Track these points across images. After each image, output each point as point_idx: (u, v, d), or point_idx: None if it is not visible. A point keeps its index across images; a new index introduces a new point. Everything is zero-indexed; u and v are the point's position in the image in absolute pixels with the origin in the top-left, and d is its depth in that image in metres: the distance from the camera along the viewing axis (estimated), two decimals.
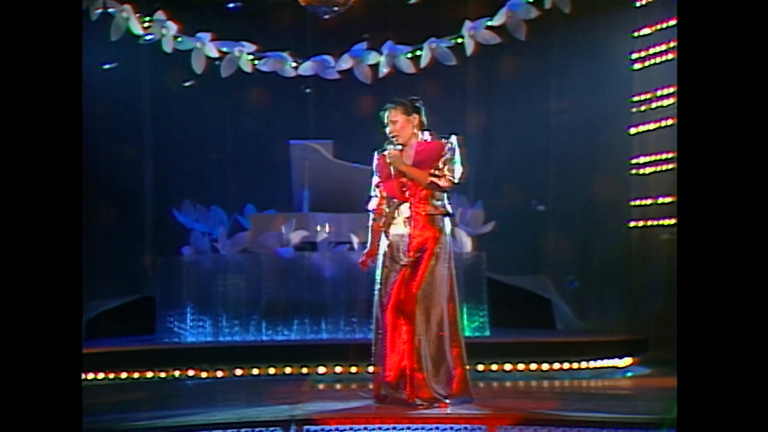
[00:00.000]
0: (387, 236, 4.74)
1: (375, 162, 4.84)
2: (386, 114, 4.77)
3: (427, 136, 4.77)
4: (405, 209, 4.72)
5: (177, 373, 6.66)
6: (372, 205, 4.84)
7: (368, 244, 4.85)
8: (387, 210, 4.77)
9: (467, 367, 4.77)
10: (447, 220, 4.76)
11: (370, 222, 4.86)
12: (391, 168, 4.71)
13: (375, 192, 4.84)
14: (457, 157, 4.71)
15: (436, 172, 4.66)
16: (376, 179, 4.84)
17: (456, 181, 4.70)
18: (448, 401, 4.62)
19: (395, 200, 4.75)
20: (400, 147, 4.73)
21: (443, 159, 4.68)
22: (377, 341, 4.74)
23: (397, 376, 4.61)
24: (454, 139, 4.74)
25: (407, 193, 4.70)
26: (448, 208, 4.77)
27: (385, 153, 4.79)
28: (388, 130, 4.75)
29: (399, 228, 4.72)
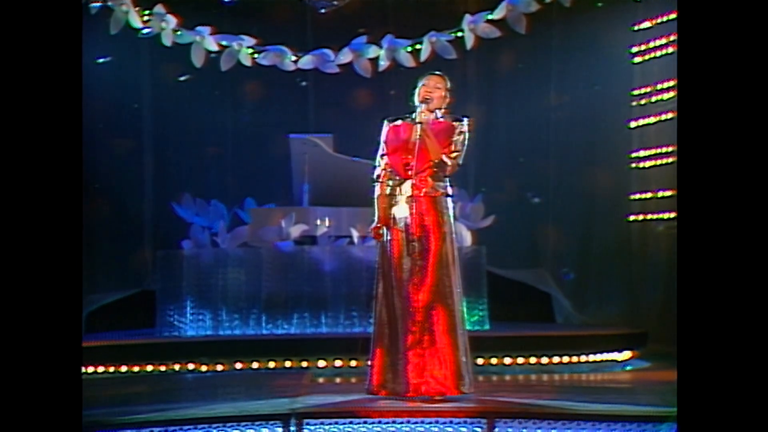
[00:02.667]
0: (390, 218, 4.67)
1: (384, 131, 4.77)
2: (432, 77, 4.73)
3: (439, 113, 4.74)
4: (407, 189, 4.68)
5: (177, 367, 6.67)
6: (376, 173, 4.76)
7: (376, 216, 4.73)
8: (390, 182, 4.72)
9: (464, 359, 4.72)
10: (449, 201, 4.73)
11: (376, 192, 4.75)
12: (418, 129, 4.61)
13: (379, 162, 4.76)
14: (465, 141, 4.70)
15: (450, 153, 4.64)
16: (382, 149, 4.76)
17: (459, 165, 4.70)
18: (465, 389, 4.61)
19: (398, 177, 4.70)
20: (423, 108, 4.65)
21: (452, 141, 4.67)
22: (381, 333, 4.69)
23: (413, 367, 4.57)
24: (465, 122, 4.73)
25: (410, 172, 4.67)
26: (449, 190, 4.74)
27: (398, 123, 4.72)
28: (423, 89, 4.69)
29: (403, 209, 4.66)
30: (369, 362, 4.77)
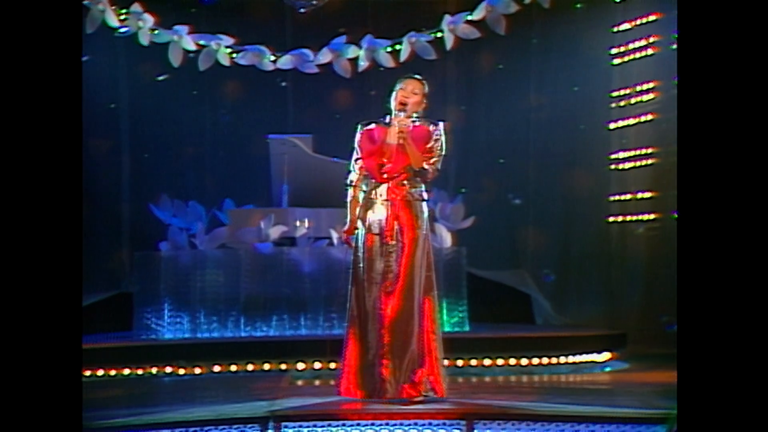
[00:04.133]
0: (365, 220, 4.65)
1: (358, 136, 4.73)
2: (409, 81, 4.66)
3: (413, 117, 4.68)
4: (383, 191, 4.64)
5: (154, 370, 6.60)
6: (351, 178, 4.74)
7: (348, 220, 4.72)
8: (364, 187, 4.69)
9: (444, 363, 4.70)
10: (424, 205, 4.70)
11: (348, 197, 4.74)
12: (397, 137, 4.56)
13: (354, 167, 4.73)
14: (442, 146, 4.67)
15: (428, 159, 4.60)
16: (356, 154, 4.73)
17: (438, 171, 4.67)
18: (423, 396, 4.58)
19: (373, 181, 4.67)
20: (402, 116, 4.59)
21: (429, 147, 4.63)
22: (353, 334, 4.65)
23: (385, 370, 4.54)
24: (441, 126, 4.69)
25: (385, 175, 4.63)
26: (425, 194, 4.71)
27: (371, 127, 4.69)
28: (401, 93, 4.62)
29: (378, 212, 4.63)
30: (341, 364, 4.72)
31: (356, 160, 4.74)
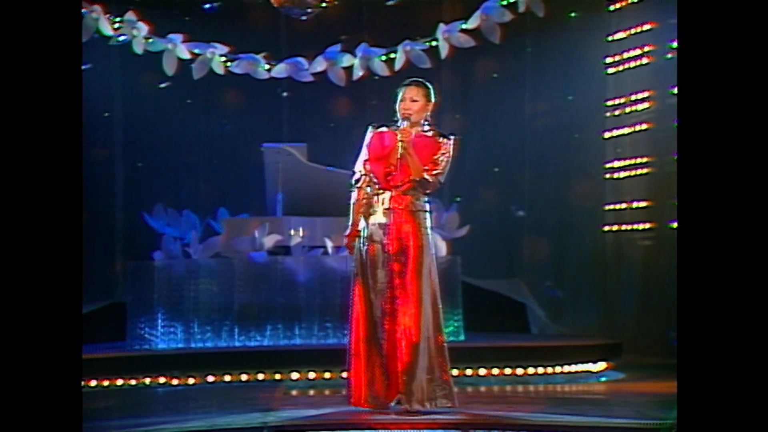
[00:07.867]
0: (366, 229, 4.59)
1: (368, 137, 4.66)
2: (407, 89, 4.62)
3: (427, 128, 4.65)
4: (385, 200, 4.59)
5: (148, 381, 6.56)
6: (356, 178, 4.66)
7: (350, 224, 4.63)
8: (368, 190, 4.63)
9: (451, 373, 4.65)
10: (427, 216, 4.65)
11: (352, 199, 4.66)
12: (399, 145, 4.51)
13: (360, 167, 4.65)
14: (449, 161, 4.63)
15: (431, 170, 4.57)
16: (364, 156, 4.66)
17: (441, 183, 4.64)
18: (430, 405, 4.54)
19: (377, 186, 4.62)
20: (406, 125, 4.55)
21: (435, 159, 4.59)
22: (357, 342, 4.60)
23: (389, 380, 4.50)
24: (452, 140, 4.65)
25: (391, 182, 4.58)
26: (427, 207, 4.67)
27: (382, 130, 4.63)
28: (401, 105, 4.59)
29: (380, 221, 4.57)
30: (346, 374, 4.67)
31: (364, 160, 4.66)
